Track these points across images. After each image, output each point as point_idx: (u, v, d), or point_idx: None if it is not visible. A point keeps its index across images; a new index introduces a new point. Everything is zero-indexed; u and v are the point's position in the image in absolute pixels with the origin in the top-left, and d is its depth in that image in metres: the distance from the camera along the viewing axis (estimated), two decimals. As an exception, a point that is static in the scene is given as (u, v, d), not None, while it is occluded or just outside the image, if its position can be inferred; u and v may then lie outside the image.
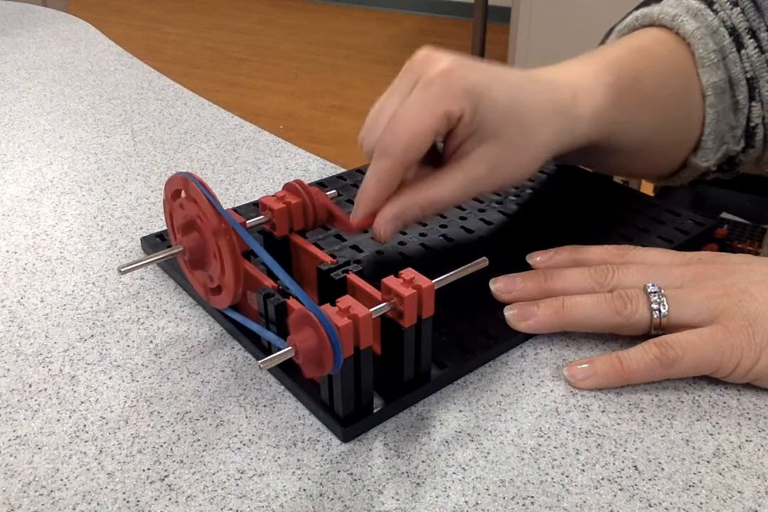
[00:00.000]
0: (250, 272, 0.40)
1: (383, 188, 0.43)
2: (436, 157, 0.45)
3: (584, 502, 0.33)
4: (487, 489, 0.34)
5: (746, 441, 0.36)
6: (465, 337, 0.41)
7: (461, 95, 0.41)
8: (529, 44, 2.10)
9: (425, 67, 0.43)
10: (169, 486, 0.34)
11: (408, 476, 0.34)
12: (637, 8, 0.58)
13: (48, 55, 0.88)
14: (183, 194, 0.41)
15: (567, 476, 0.34)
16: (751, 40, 0.53)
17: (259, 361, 0.32)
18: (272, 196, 0.44)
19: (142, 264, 0.41)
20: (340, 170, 0.61)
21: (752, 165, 0.60)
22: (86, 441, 0.36)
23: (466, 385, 0.40)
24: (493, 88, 0.43)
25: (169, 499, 0.33)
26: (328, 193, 0.45)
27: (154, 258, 0.41)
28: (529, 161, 0.45)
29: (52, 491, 0.34)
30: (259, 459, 0.35)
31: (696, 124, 0.54)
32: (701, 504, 0.33)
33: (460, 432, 0.37)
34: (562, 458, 0.35)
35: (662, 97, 0.52)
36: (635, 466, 0.35)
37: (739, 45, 0.53)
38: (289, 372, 0.39)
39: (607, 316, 0.40)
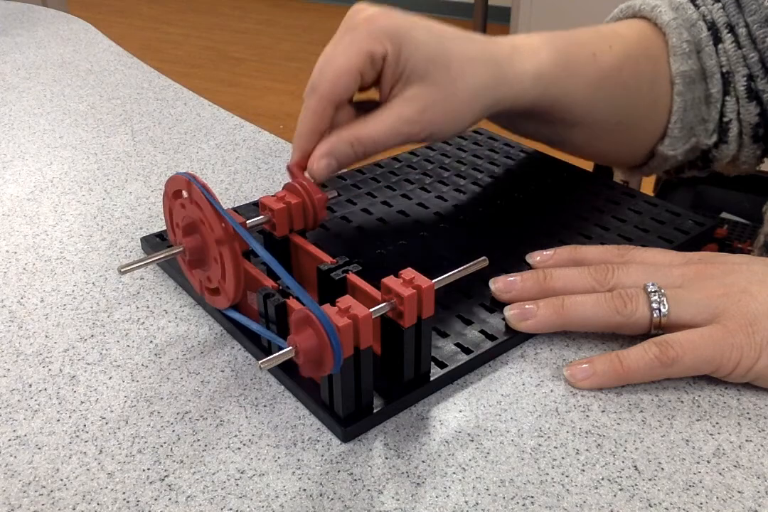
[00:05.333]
0: (250, 272, 0.40)
1: (313, 124, 0.44)
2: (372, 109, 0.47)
3: (584, 502, 0.33)
4: (487, 489, 0.34)
5: (746, 441, 0.36)
6: (465, 337, 0.41)
7: (383, 36, 0.44)
8: (529, 44, 2.09)
9: (355, 15, 0.45)
10: (169, 486, 0.34)
11: (408, 476, 0.34)
12: None
13: (48, 55, 0.88)
14: (184, 194, 0.41)
15: (567, 476, 0.34)
16: (729, 35, 0.53)
17: (259, 361, 0.32)
18: (272, 196, 0.44)
19: (142, 265, 0.41)
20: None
21: (730, 165, 0.60)
22: (86, 441, 0.36)
23: (466, 385, 0.40)
24: (417, 31, 0.45)
25: (169, 499, 0.33)
26: (328, 194, 0.46)
27: (154, 259, 0.41)
28: (459, 106, 0.46)
29: (52, 491, 0.34)
30: (259, 459, 0.35)
31: (663, 112, 0.55)
32: (701, 504, 0.33)
33: (460, 432, 0.37)
34: (562, 458, 0.35)
35: (624, 79, 0.53)
36: (635, 466, 0.35)
37: (717, 39, 0.54)
38: (289, 372, 0.39)
39: (607, 316, 0.40)
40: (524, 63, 0.48)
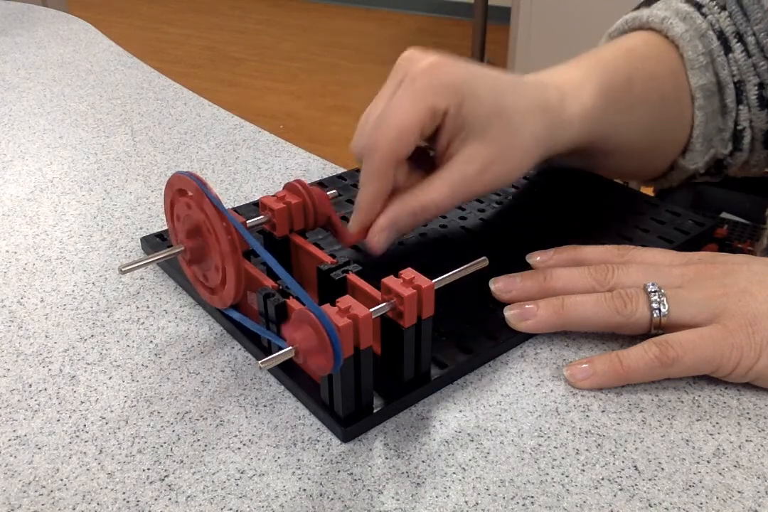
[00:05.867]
0: (250, 272, 0.40)
1: (377, 188, 0.42)
2: (429, 166, 0.45)
3: (584, 502, 0.33)
4: (487, 489, 0.34)
5: (746, 441, 0.36)
6: (465, 337, 0.41)
7: (446, 89, 0.42)
8: (529, 44, 2.10)
9: (410, 65, 0.43)
10: (169, 486, 0.34)
11: (408, 476, 0.34)
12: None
13: (48, 55, 0.88)
14: (186, 194, 0.41)
15: (567, 476, 0.34)
16: (738, 44, 0.53)
17: (259, 361, 0.32)
18: (272, 196, 0.44)
19: (142, 264, 0.41)
20: (340, 170, 0.61)
21: (740, 168, 0.60)
22: (86, 441, 0.36)
23: (466, 385, 0.40)
24: (478, 84, 0.43)
25: (169, 499, 0.33)
26: (328, 193, 0.45)
27: (155, 258, 0.41)
28: (518, 160, 0.45)
29: (52, 491, 0.34)
30: (259, 459, 0.35)
31: (685, 127, 0.54)
32: (701, 504, 0.33)
33: (460, 432, 0.37)
34: (562, 458, 0.35)
35: (653, 99, 0.53)
36: (635, 466, 0.35)
37: (727, 48, 0.53)
38: (289, 372, 0.39)
39: (607, 315, 0.40)
40: (572, 106, 0.47)
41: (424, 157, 0.46)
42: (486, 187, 0.45)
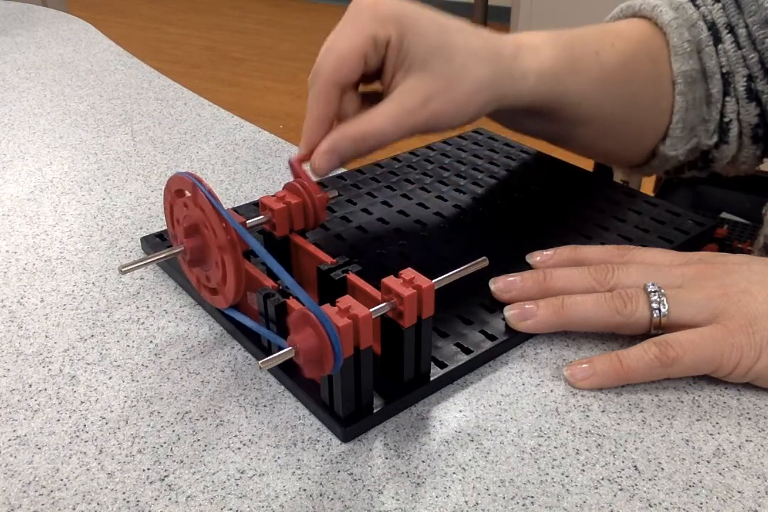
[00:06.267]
0: (250, 272, 0.40)
1: (320, 110, 0.44)
2: (377, 101, 0.46)
3: (584, 502, 0.33)
4: (487, 489, 0.34)
5: (746, 441, 0.36)
6: (465, 337, 0.41)
7: (388, 21, 0.44)
8: (529, 44, 2.10)
9: (359, 2, 0.45)
10: (169, 486, 0.34)
11: (408, 476, 0.34)
12: None
13: (48, 55, 0.88)
14: (183, 194, 0.41)
15: (567, 476, 0.34)
16: (729, 36, 0.53)
17: (259, 361, 0.32)
18: (272, 196, 0.44)
19: (142, 264, 0.41)
20: (340, 170, 0.61)
21: (728, 165, 0.60)
22: (86, 441, 0.36)
23: (466, 385, 0.40)
24: (422, 20, 0.45)
25: (169, 499, 0.33)
26: (328, 193, 0.45)
27: (154, 258, 0.41)
28: (460, 100, 0.46)
29: (52, 491, 0.34)
30: (259, 459, 0.35)
31: (665, 112, 0.55)
32: (701, 504, 0.33)
33: (460, 432, 0.37)
34: (562, 458, 0.35)
35: (627, 78, 0.54)
36: (635, 466, 0.35)
37: (717, 39, 0.54)
38: (289, 372, 0.39)
39: (607, 315, 0.40)
40: (528, 60, 0.48)
41: (374, 96, 0.47)
42: (427, 122, 0.45)
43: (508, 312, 0.42)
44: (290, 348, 0.33)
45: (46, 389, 0.40)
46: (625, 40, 0.54)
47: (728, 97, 0.55)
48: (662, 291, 0.40)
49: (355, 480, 0.34)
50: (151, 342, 0.43)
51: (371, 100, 0.46)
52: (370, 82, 0.48)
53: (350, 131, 0.44)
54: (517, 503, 0.33)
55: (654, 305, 0.40)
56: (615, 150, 0.60)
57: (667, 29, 0.53)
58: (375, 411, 0.37)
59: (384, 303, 0.36)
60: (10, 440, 0.36)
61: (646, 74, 0.54)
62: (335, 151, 0.44)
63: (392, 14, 0.44)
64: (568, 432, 0.37)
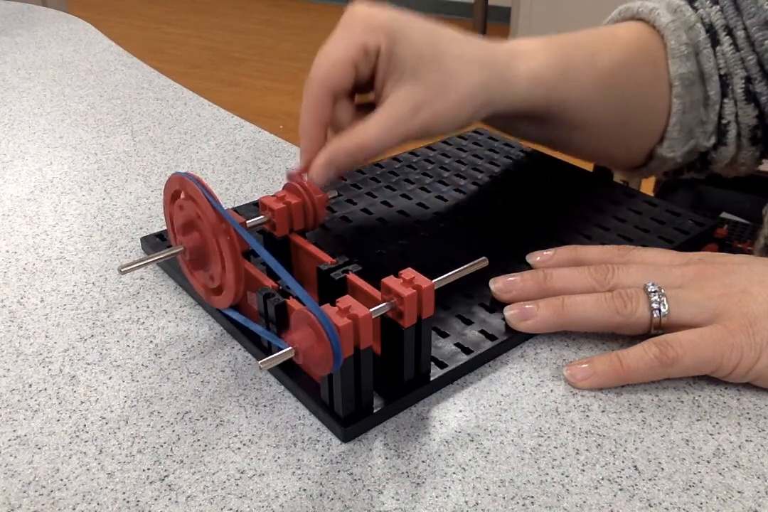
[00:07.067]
0: (250, 272, 0.40)
1: (313, 115, 0.45)
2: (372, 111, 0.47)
3: (584, 502, 0.33)
4: (487, 489, 0.34)
5: (746, 441, 0.36)
6: (465, 337, 0.41)
7: (378, 30, 0.44)
8: (529, 44, 2.10)
9: (351, 13, 0.46)
10: (169, 486, 0.34)
11: (408, 476, 0.34)
12: None
13: (48, 55, 0.88)
14: (182, 194, 0.41)
15: (567, 476, 0.34)
16: (727, 38, 0.53)
17: (259, 361, 0.32)
18: (272, 196, 0.44)
19: (142, 265, 0.41)
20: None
21: (728, 166, 0.60)
22: (86, 441, 0.36)
23: (466, 385, 0.40)
24: (412, 29, 0.46)
25: (169, 499, 0.33)
26: (328, 193, 0.45)
27: (154, 259, 0.41)
28: (452, 106, 0.46)
29: (52, 491, 0.34)
30: (259, 459, 0.35)
31: (662, 114, 0.55)
32: (701, 504, 0.33)
33: (460, 432, 0.37)
34: (562, 458, 0.35)
35: (623, 81, 0.54)
36: (635, 466, 0.35)
37: (715, 41, 0.54)
38: (289, 372, 0.39)
39: (607, 316, 0.40)
40: (520, 66, 0.49)
41: (367, 106, 0.48)
42: (420, 129, 0.46)
43: (508, 312, 0.42)
44: (290, 348, 0.33)
45: (46, 389, 0.40)
46: (622, 43, 0.54)
47: (726, 99, 0.55)
48: (662, 291, 0.40)
49: (355, 480, 0.34)
50: (151, 342, 0.43)
51: (366, 110, 0.47)
52: (365, 92, 0.48)
53: (345, 144, 0.45)
54: (517, 503, 0.33)
55: (654, 305, 0.40)
56: (612, 153, 0.60)
57: (664, 32, 0.53)
58: (375, 411, 0.37)
59: (384, 303, 0.36)
60: (10, 440, 0.36)
61: (642, 77, 0.54)
62: (332, 163, 0.45)
63: (383, 23, 0.45)
64: (568, 432, 0.37)
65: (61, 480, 0.34)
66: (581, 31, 0.54)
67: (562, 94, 0.51)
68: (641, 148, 0.58)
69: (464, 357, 0.40)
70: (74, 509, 0.33)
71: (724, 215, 1.09)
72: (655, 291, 0.40)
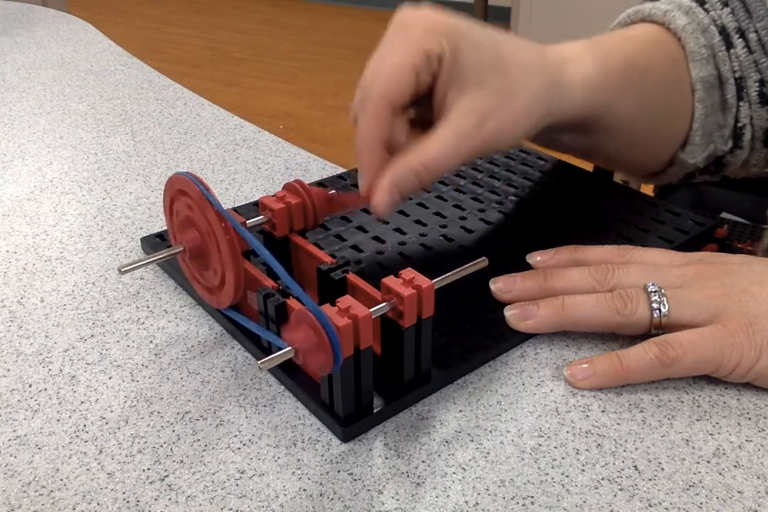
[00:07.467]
0: (250, 272, 0.40)
1: (374, 132, 0.40)
2: (428, 127, 0.43)
3: (584, 502, 0.33)
4: (487, 489, 0.34)
5: (746, 441, 0.36)
6: (465, 337, 0.41)
7: (440, 35, 0.41)
8: (529, 44, 2.10)
9: (405, 16, 0.42)
10: (169, 486, 0.34)
11: (408, 476, 0.34)
12: None
13: (48, 55, 0.88)
14: (183, 194, 0.41)
15: (567, 476, 0.34)
16: (740, 40, 0.53)
17: (259, 361, 0.32)
18: (272, 196, 0.44)
19: (142, 264, 0.41)
20: (340, 170, 0.61)
21: (740, 168, 0.60)
22: (86, 441, 0.36)
23: (466, 385, 0.40)
24: (474, 33, 0.42)
25: (169, 499, 0.33)
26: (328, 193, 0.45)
27: (154, 259, 0.41)
28: (517, 115, 0.43)
29: (52, 491, 0.34)
30: (259, 459, 0.35)
31: (685, 118, 0.54)
32: (701, 504, 0.33)
33: (460, 432, 0.37)
34: (562, 458, 0.35)
35: (654, 84, 0.53)
36: (635, 466, 0.35)
37: (729, 44, 0.53)
38: (289, 372, 0.39)
39: (607, 316, 0.40)
40: (573, 73, 0.47)
41: (425, 122, 0.44)
42: (486, 143, 0.42)
43: (509, 312, 0.42)
44: (290, 348, 0.33)
45: (46, 389, 0.40)
46: (649, 47, 0.53)
47: (741, 102, 0.54)
48: (662, 291, 0.40)
49: (355, 480, 0.34)
50: (151, 342, 0.43)
51: (416, 127, 0.43)
52: (419, 102, 0.44)
53: (410, 164, 0.40)
54: (517, 503, 0.33)
55: (654, 305, 0.40)
56: (638, 159, 0.59)
57: (682, 35, 0.52)
58: (375, 411, 0.37)
59: (384, 303, 0.36)
60: (10, 440, 0.36)
61: (668, 81, 0.53)
62: (397, 185, 0.40)
63: (444, 28, 0.41)
64: (568, 432, 0.37)
65: (61, 480, 0.34)
66: (606, 36, 0.53)
67: (607, 100, 0.49)
68: (664, 153, 0.57)
69: (464, 357, 0.40)
70: (74, 509, 0.33)
71: (724, 215, 1.09)
72: (655, 292, 0.40)
